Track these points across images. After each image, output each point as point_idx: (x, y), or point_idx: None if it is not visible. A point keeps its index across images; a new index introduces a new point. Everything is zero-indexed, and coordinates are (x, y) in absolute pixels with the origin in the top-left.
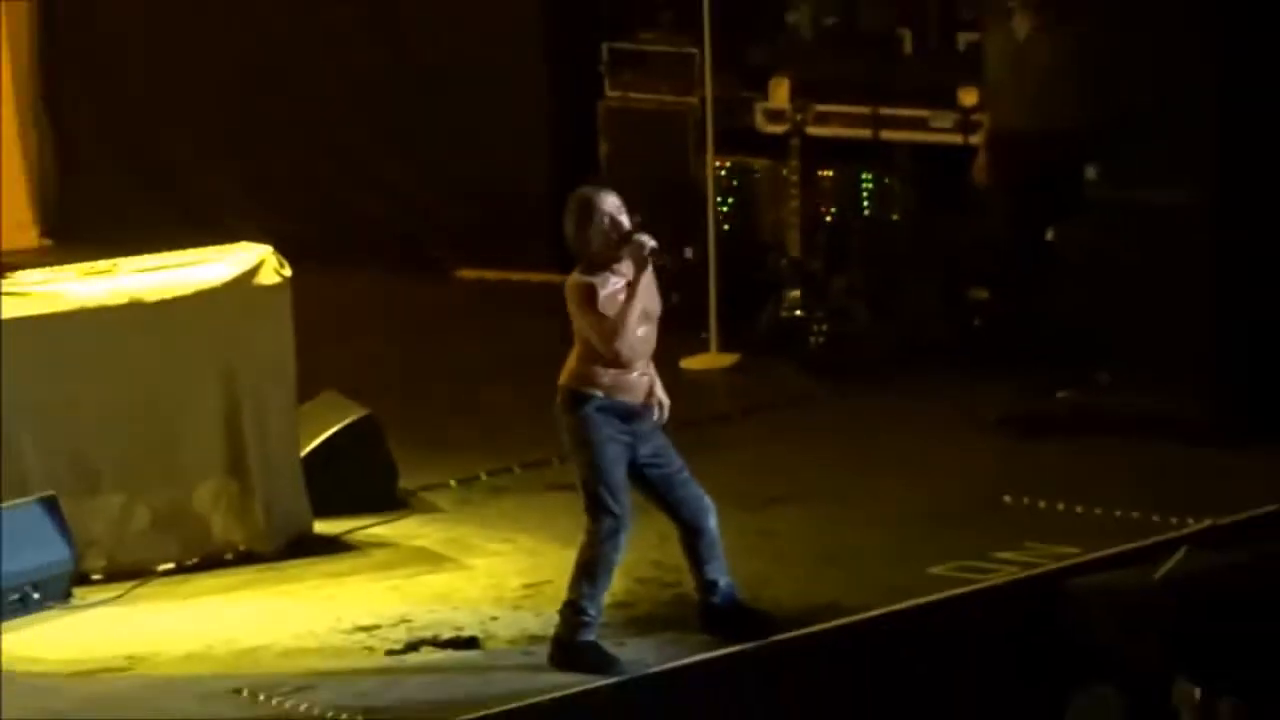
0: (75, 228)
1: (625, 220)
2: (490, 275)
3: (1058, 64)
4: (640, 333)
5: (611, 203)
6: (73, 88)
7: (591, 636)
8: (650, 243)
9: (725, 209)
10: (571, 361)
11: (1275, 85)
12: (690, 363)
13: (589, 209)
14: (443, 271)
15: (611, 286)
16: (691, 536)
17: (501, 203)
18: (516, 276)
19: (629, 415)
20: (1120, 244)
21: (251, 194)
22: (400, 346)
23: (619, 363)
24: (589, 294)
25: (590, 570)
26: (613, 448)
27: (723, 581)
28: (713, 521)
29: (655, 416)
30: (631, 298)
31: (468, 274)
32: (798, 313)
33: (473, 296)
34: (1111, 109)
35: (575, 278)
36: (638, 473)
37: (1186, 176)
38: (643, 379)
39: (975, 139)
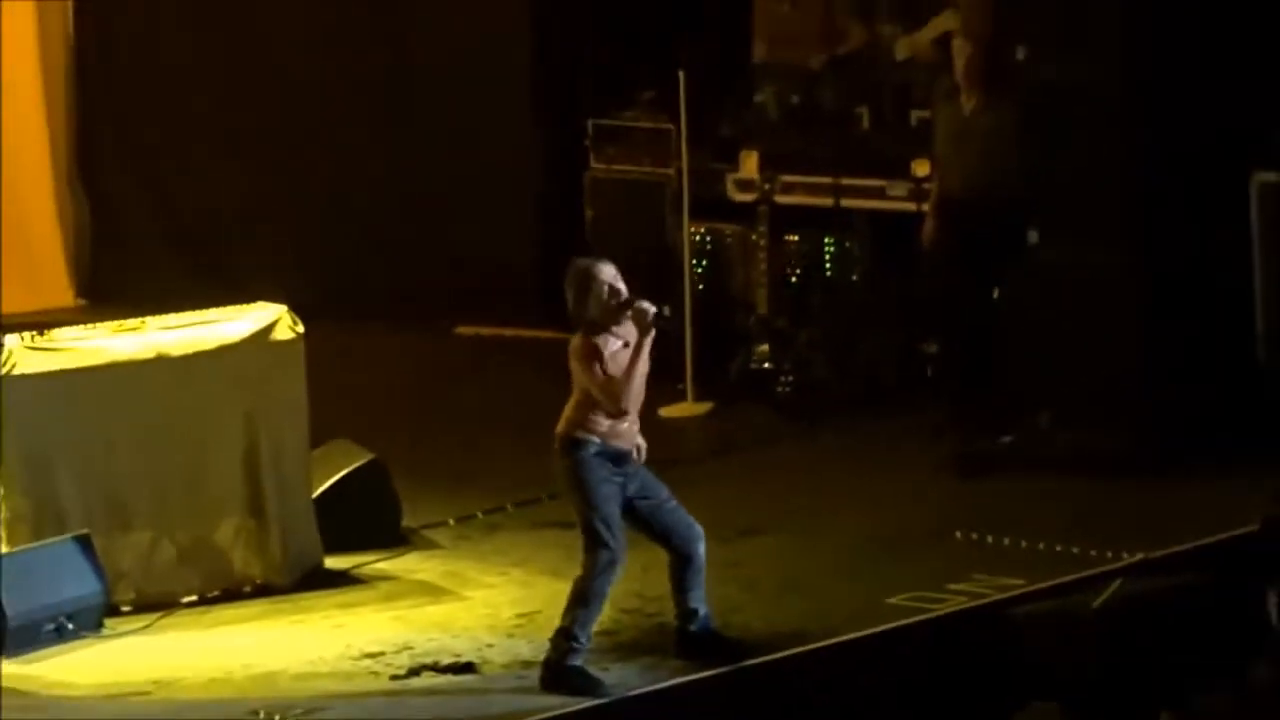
0: (107, 288)
1: (622, 287)
2: (486, 332)
3: (1000, 136)
4: (637, 388)
5: (609, 272)
6: (106, 154)
7: (579, 661)
8: (652, 309)
9: (700, 270)
10: (569, 410)
11: (1190, 154)
12: (668, 411)
13: (588, 279)
14: (443, 328)
15: (612, 347)
16: (681, 562)
17: (497, 264)
18: (510, 333)
19: (620, 459)
20: (1058, 299)
21: (269, 257)
22: (404, 397)
23: (618, 414)
24: (594, 354)
25: (585, 599)
26: (607, 487)
27: (702, 611)
28: (701, 548)
29: (635, 457)
30: (636, 358)
31: (466, 331)
32: (766, 364)
33: (471, 351)
34: (1048, 178)
35: (580, 339)
36: (629, 507)
37: (1116, 238)
38: (633, 427)
39: (925, 206)
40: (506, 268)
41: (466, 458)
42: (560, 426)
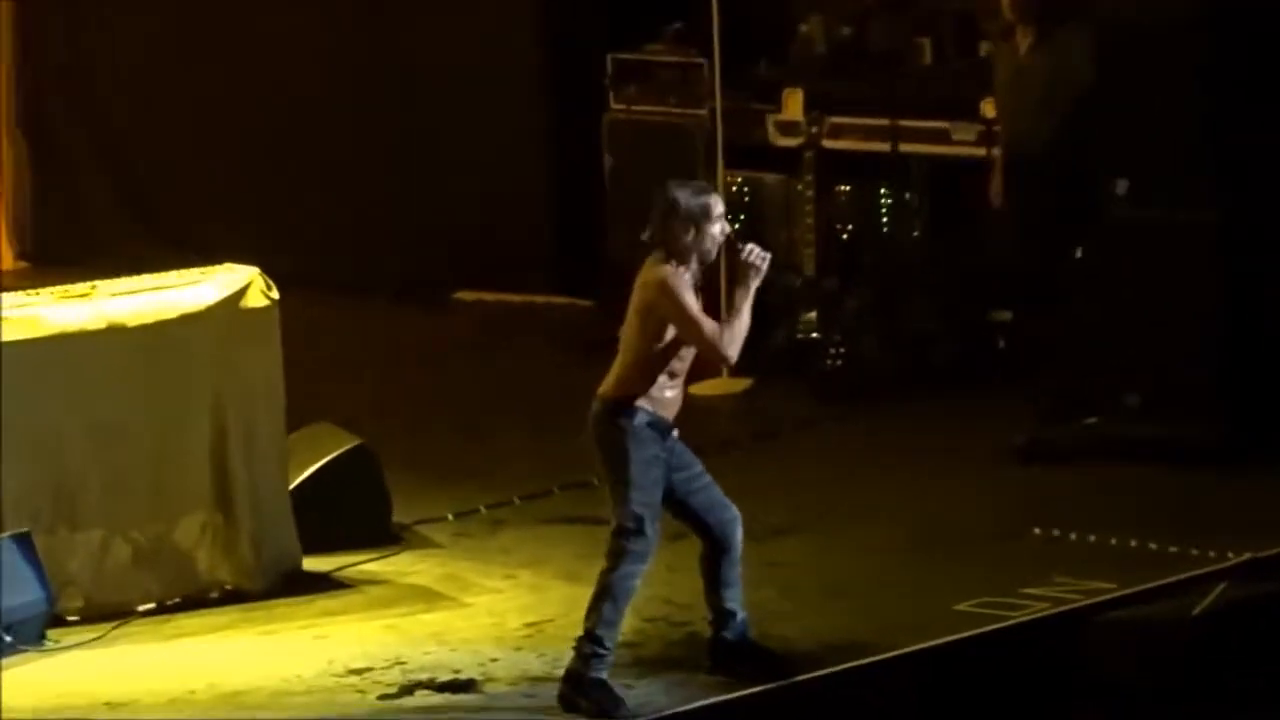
0: (52, 250)
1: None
2: (489, 298)
3: (1062, 78)
4: (688, 350)
5: (719, 211)
6: (53, 105)
7: (604, 673)
8: (768, 255)
9: (736, 226)
10: (619, 369)
11: None
12: (699, 388)
13: (706, 212)
14: (439, 295)
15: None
16: (716, 551)
17: (501, 221)
18: (518, 299)
19: (666, 432)
20: (1146, 262)
21: (239, 215)
22: (394, 373)
23: (720, 359)
24: (686, 287)
25: (612, 594)
26: (655, 470)
27: (739, 615)
28: (739, 534)
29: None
30: (740, 307)
31: (465, 296)
32: (812, 335)
33: (471, 320)
34: (1128, 125)
35: (666, 269)
36: (670, 487)
37: (1208, 193)
38: (680, 395)
39: (994, 152)
40: (512, 225)
41: (467, 443)
42: (607, 387)
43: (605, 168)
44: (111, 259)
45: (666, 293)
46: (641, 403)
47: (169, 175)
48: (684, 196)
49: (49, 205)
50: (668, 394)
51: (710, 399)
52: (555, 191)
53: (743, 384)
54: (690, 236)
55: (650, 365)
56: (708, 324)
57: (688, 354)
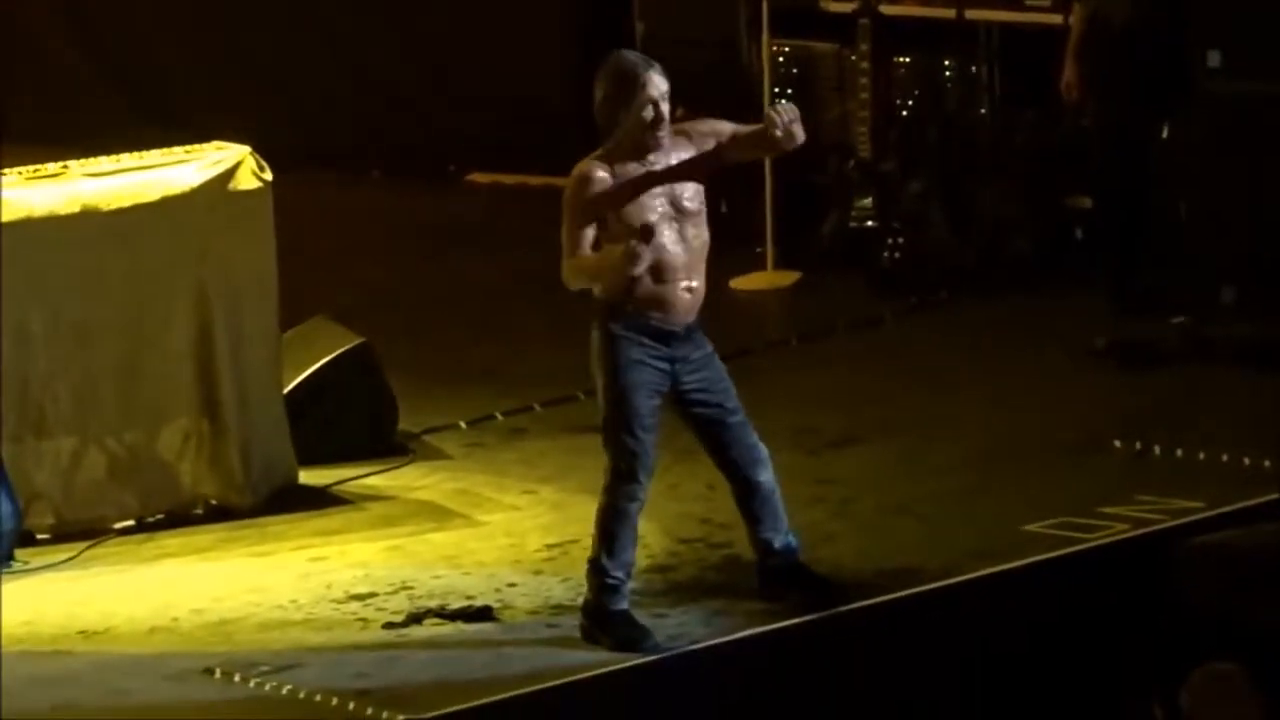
0: (21, 128)
1: (666, 110)
2: (507, 180)
3: None
4: (670, 235)
5: (660, 86)
6: None
7: (623, 604)
8: (790, 114)
9: (783, 102)
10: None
11: None
12: (742, 283)
13: (631, 84)
14: (451, 176)
15: (628, 172)
16: (742, 492)
17: (518, 94)
18: (537, 181)
19: (666, 337)
20: (1242, 143)
21: (227, 90)
22: (401, 263)
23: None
24: (580, 185)
25: (603, 522)
26: (639, 371)
27: (778, 542)
28: (766, 475)
29: (695, 340)
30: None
31: (480, 179)
32: (868, 223)
33: (485, 204)
34: None
35: (583, 163)
36: (683, 408)
37: None
38: (686, 295)
39: (1072, 19)
40: (530, 99)
41: (481, 341)
42: (597, 287)
43: (637, 34)
44: (87, 138)
45: (567, 189)
46: (621, 301)
47: (151, 40)
48: (614, 61)
49: (16, 78)
50: (657, 290)
51: (753, 294)
52: (581, 60)
53: (790, 278)
54: (611, 109)
55: (627, 259)
56: (573, 242)
57: (668, 240)
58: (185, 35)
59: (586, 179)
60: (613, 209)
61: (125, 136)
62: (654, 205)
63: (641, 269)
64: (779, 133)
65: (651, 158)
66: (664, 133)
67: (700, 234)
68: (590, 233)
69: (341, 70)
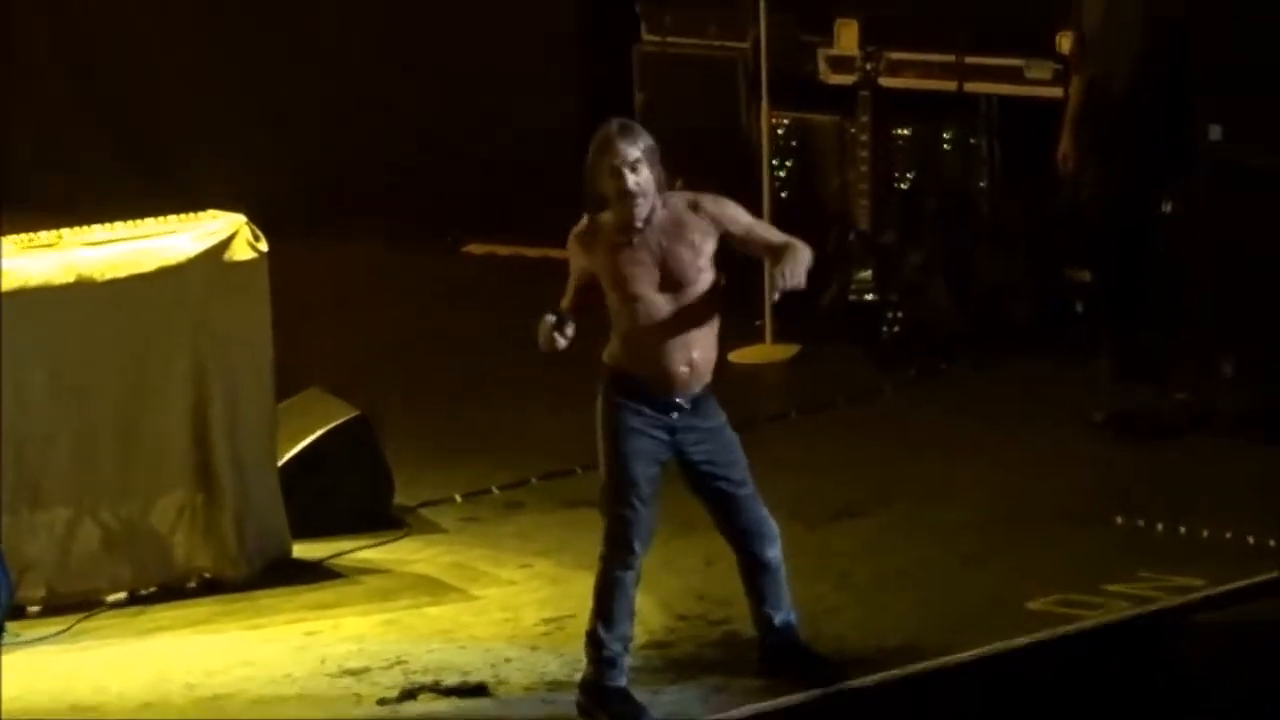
0: (17, 192)
1: (636, 178)
2: (504, 250)
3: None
4: (666, 307)
5: (628, 152)
6: (18, 23)
7: (621, 680)
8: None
9: (782, 174)
10: (613, 335)
11: None
12: (741, 355)
13: (598, 146)
14: (448, 246)
15: (616, 240)
16: (748, 566)
17: (516, 166)
18: (535, 253)
19: (666, 407)
20: (1241, 215)
21: (226, 155)
22: (398, 334)
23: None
24: (569, 250)
25: (599, 593)
26: (637, 440)
27: (779, 619)
28: (774, 551)
29: (700, 409)
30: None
31: (477, 249)
32: (868, 295)
33: (484, 275)
34: (1230, 54)
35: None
36: (691, 479)
37: None
38: (683, 370)
39: (1071, 89)
40: (530, 167)
41: (479, 413)
42: (605, 354)
43: (636, 104)
44: (86, 204)
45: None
46: (620, 365)
47: (154, 109)
48: (599, 128)
49: (14, 140)
50: (654, 363)
51: (751, 367)
52: (579, 133)
53: (788, 351)
54: (589, 176)
55: (615, 322)
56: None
57: (656, 304)
58: (181, 95)
59: (569, 242)
60: (602, 274)
61: (120, 198)
62: (641, 275)
63: (563, 343)
64: (782, 286)
65: (639, 225)
66: (631, 202)
67: (703, 307)
68: (570, 290)
69: (348, 140)
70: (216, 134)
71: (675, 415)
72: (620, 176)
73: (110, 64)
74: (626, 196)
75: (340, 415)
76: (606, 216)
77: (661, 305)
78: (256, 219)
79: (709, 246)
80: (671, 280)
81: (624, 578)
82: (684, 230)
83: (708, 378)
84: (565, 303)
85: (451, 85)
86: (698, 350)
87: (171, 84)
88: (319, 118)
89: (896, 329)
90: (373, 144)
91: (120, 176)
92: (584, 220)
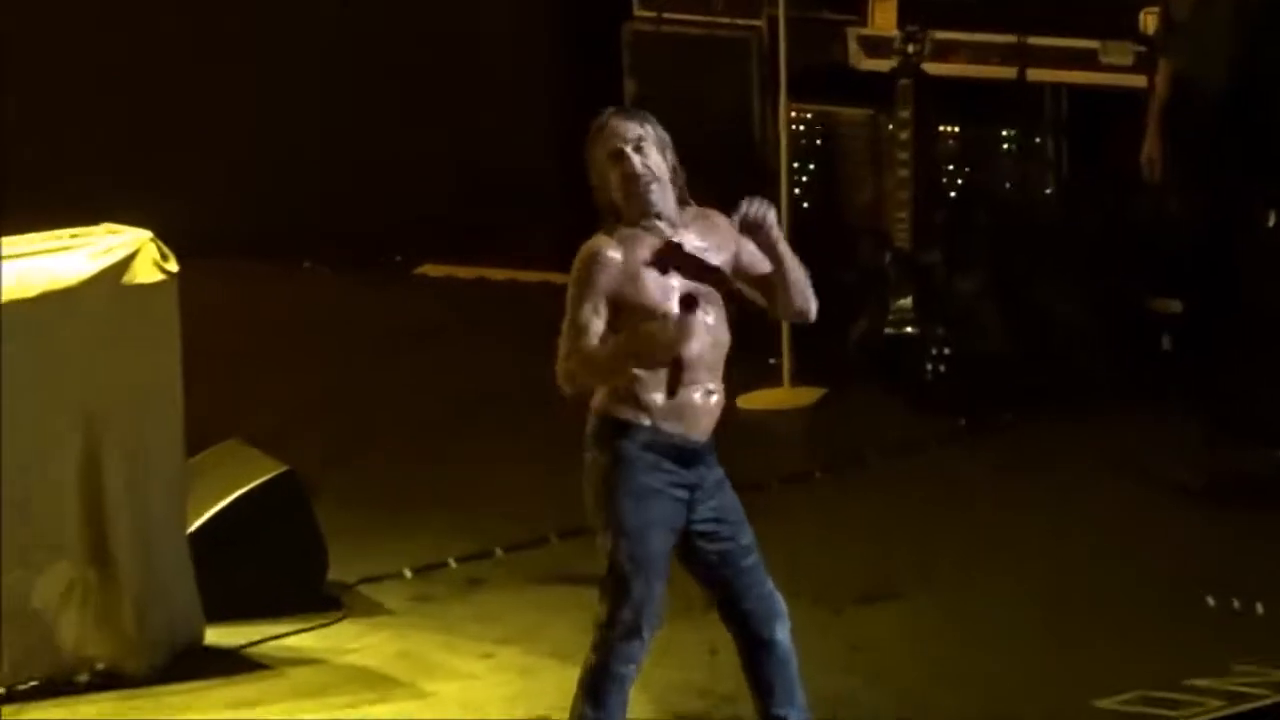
0: None
1: (644, 162)
2: (464, 273)
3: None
4: (689, 324)
5: (629, 130)
6: None
7: None
8: (759, 208)
9: (804, 179)
10: None
11: None
12: (752, 400)
13: (593, 142)
14: (398, 268)
15: (639, 256)
16: (752, 650)
17: (480, 173)
18: (502, 275)
19: (687, 458)
20: None
21: (129, 161)
22: (338, 374)
23: (606, 376)
24: (587, 265)
25: (591, 687)
26: (657, 505)
27: (794, 718)
28: (783, 633)
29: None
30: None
31: (433, 271)
32: (907, 328)
33: (441, 302)
34: None
35: (592, 241)
36: (689, 545)
37: None
38: (709, 400)
39: (1157, 78)
40: (497, 177)
41: (432, 472)
42: (597, 400)
43: (626, 96)
44: None
45: (576, 267)
46: (639, 416)
47: (49, 116)
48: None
49: None
50: (675, 399)
51: (765, 415)
52: (557, 128)
53: (811, 395)
54: (593, 176)
55: (628, 361)
56: (579, 329)
57: (687, 325)
58: (86, 105)
59: (597, 255)
60: (628, 293)
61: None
62: (674, 290)
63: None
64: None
65: (662, 225)
66: (640, 187)
67: (721, 326)
68: (601, 320)
69: (270, 137)
70: (120, 145)
71: (694, 466)
72: (623, 159)
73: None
74: (632, 181)
75: (265, 472)
76: (619, 227)
77: (692, 325)
78: (171, 242)
79: (742, 252)
80: (703, 294)
81: (626, 671)
82: (714, 233)
83: (719, 416)
84: (595, 337)
85: (405, 80)
86: (716, 381)
87: (74, 96)
88: (237, 126)
89: (942, 369)
90: (312, 155)
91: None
92: (602, 234)
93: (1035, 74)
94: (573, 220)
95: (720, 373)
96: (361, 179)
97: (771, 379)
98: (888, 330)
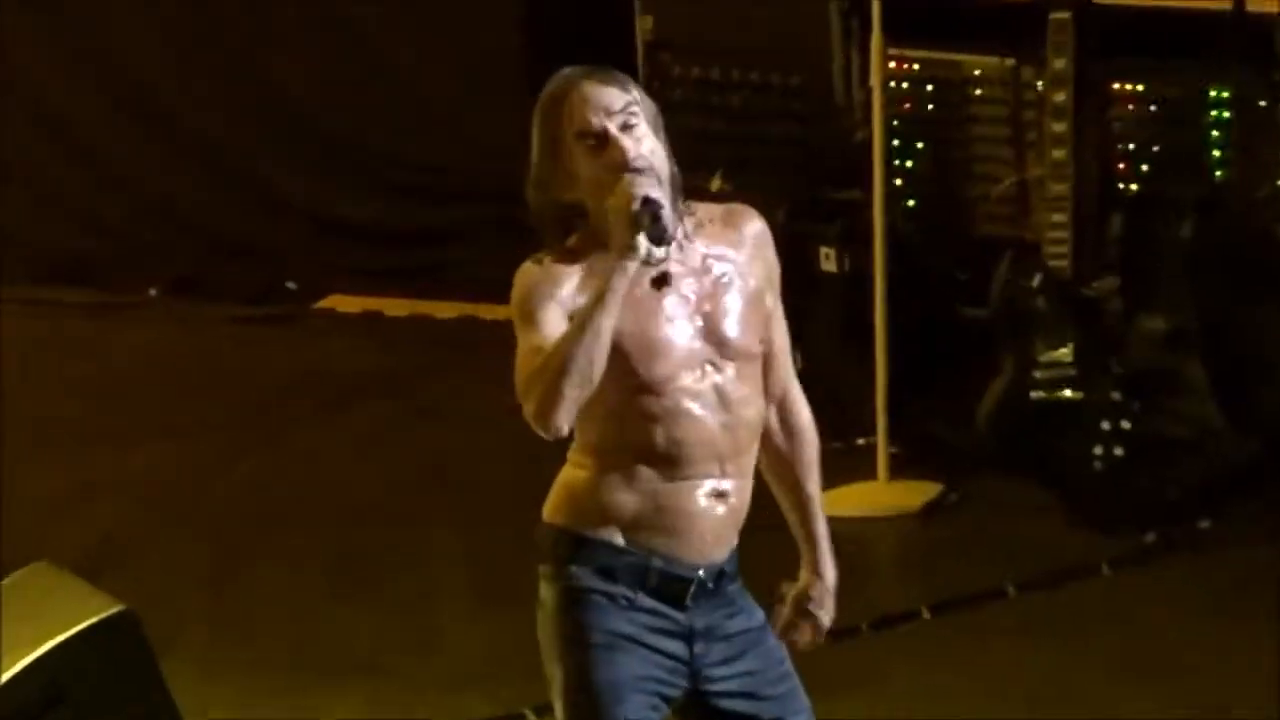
0: None
1: (624, 139)
2: (388, 308)
3: None
4: (694, 387)
5: (609, 96)
6: None
7: None
8: (642, 190)
9: (907, 165)
10: (564, 469)
11: None
12: (829, 503)
13: (549, 106)
14: (291, 300)
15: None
16: None
17: (413, 164)
18: (447, 310)
19: (677, 591)
20: None
21: None
22: (201, 461)
23: (612, 452)
24: (530, 293)
25: None
26: (626, 661)
27: None
28: None
29: (775, 622)
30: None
31: (342, 305)
32: (1065, 391)
33: (352, 348)
34: None
35: (522, 266)
36: (703, 713)
37: None
38: (716, 506)
39: None
40: (442, 170)
41: (347, 615)
42: (546, 507)
43: (638, 39)
44: None
45: (515, 296)
46: (602, 529)
47: None
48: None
49: None
50: (665, 492)
51: (847, 525)
52: (527, 95)
53: (919, 494)
54: (538, 175)
55: (607, 453)
56: (538, 349)
57: (690, 400)
58: None
59: (536, 279)
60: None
61: None
62: (670, 338)
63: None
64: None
65: (659, 254)
66: (638, 181)
67: (751, 397)
68: (557, 317)
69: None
70: None
71: (692, 604)
72: (606, 139)
73: None
74: (624, 170)
75: (90, 611)
76: (578, 239)
77: (693, 389)
78: None
79: (769, 293)
80: (714, 342)
81: None
82: (734, 256)
83: (737, 529)
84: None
85: (299, 47)
86: (735, 475)
87: None
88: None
89: (1118, 453)
90: (162, 167)
91: None
92: (547, 260)
93: (1257, 4)
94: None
95: (744, 463)
96: (229, 188)
97: (859, 469)
98: (1035, 395)
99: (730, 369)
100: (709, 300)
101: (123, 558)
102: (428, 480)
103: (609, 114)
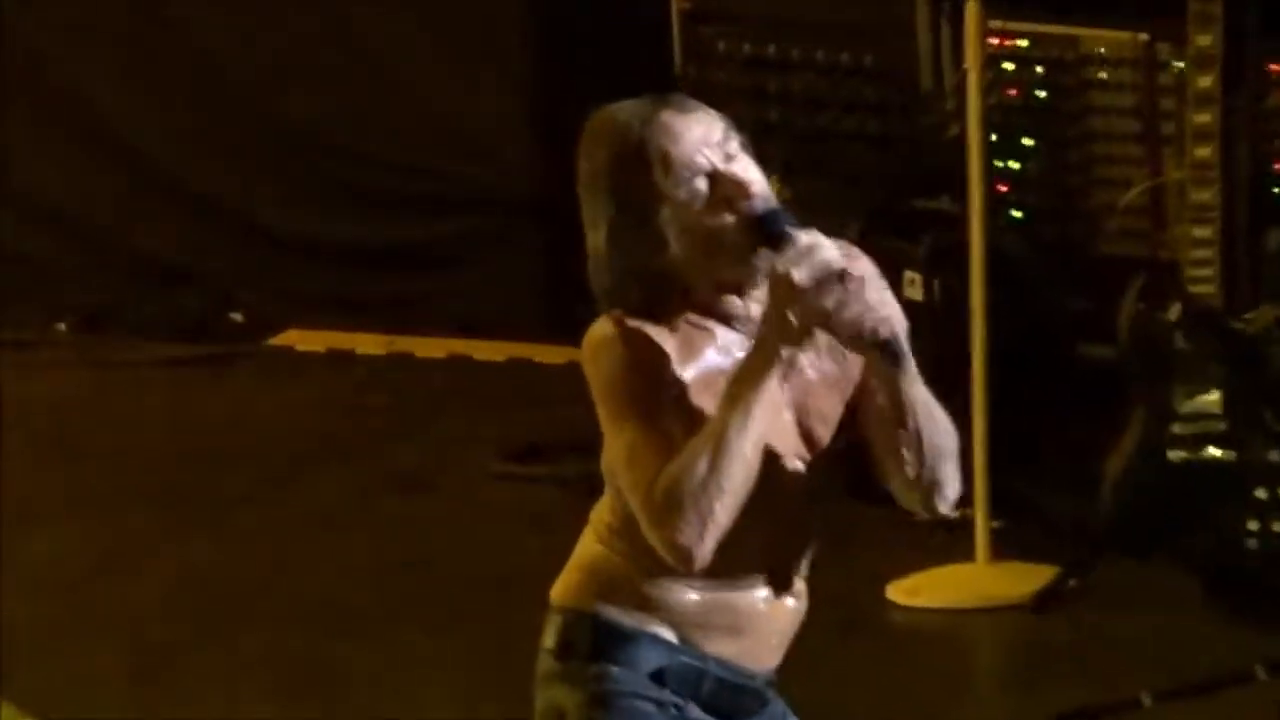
0: None
1: (734, 167)
2: (342, 342)
3: None
4: (777, 477)
5: (699, 135)
6: None
7: None
8: (826, 256)
9: (1013, 166)
10: (588, 545)
11: None
12: (916, 592)
13: (638, 151)
14: (242, 334)
15: (706, 361)
16: None
17: (392, 163)
18: (402, 344)
19: (732, 702)
20: None
21: None
22: (112, 534)
23: (687, 558)
24: (636, 363)
25: None
26: None
27: None
28: None
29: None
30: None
31: (300, 341)
32: (1211, 451)
33: (321, 392)
34: None
35: (607, 323)
36: None
37: None
38: (780, 607)
39: None
40: (437, 195)
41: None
42: (556, 589)
43: (673, 17)
44: None
45: (605, 359)
46: (641, 623)
47: None
48: (602, 123)
49: None
50: (722, 593)
51: (939, 619)
52: (541, 132)
53: (1028, 580)
54: (618, 236)
55: (643, 539)
56: (644, 437)
57: (774, 477)
58: None
59: (636, 349)
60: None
61: None
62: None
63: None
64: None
65: (731, 304)
66: (756, 203)
67: (821, 487)
68: (668, 402)
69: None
70: None
71: (742, 712)
72: (716, 176)
73: None
74: (744, 202)
75: None
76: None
77: (781, 478)
78: None
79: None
80: (804, 428)
81: None
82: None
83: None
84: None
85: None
86: (793, 563)
87: None
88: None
89: (1277, 529)
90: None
91: None
92: (623, 312)
93: None
94: (558, 291)
95: (803, 546)
96: (163, 177)
97: (954, 549)
98: (1173, 455)
99: (813, 464)
100: (807, 378)
101: (24, 663)
102: (398, 569)
103: (710, 145)
